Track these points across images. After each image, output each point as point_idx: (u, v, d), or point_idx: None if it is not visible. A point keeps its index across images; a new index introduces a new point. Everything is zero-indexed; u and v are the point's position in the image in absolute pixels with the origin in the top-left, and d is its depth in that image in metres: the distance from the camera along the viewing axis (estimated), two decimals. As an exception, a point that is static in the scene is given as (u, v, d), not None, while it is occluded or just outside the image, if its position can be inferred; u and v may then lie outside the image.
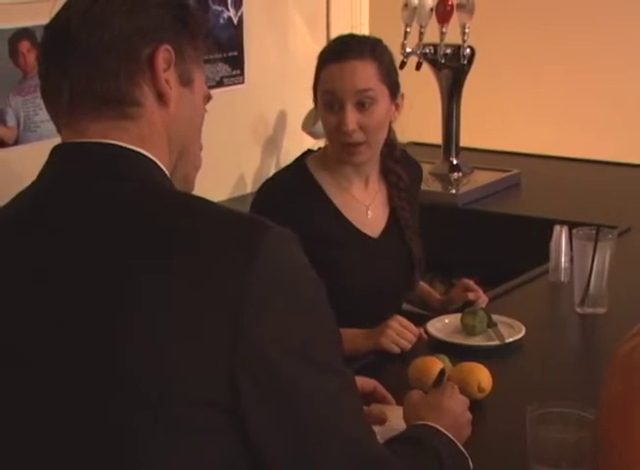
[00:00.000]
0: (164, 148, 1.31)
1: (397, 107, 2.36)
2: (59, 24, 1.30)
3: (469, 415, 1.62)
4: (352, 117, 2.27)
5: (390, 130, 2.39)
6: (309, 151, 2.45)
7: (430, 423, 1.51)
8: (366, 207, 2.40)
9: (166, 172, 1.30)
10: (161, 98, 1.29)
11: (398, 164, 2.45)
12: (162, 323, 1.15)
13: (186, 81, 1.32)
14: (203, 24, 1.37)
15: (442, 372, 1.76)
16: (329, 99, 2.30)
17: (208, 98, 1.40)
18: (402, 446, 1.41)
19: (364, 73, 2.28)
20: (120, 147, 1.26)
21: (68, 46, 1.28)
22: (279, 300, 1.18)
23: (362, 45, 2.30)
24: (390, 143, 2.41)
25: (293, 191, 2.32)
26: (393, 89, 2.34)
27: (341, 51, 2.30)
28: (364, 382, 1.80)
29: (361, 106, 2.27)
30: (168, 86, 1.29)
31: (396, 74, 2.36)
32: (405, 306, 2.56)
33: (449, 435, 1.49)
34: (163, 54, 1.29)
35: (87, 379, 1.16)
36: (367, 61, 2.28)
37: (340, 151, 2.32)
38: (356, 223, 2.37)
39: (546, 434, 1.50)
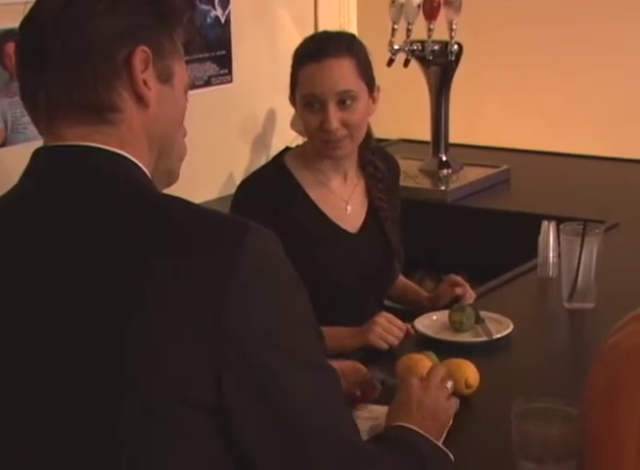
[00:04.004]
0: (144, 148, 1.30)
1: (374, 100, 2.36)
2: (31, 31, 1.29)
3: (443, 402, 1.63)
4: (335, 116, 2.27)
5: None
6: (287, 148, 2.45)
7: (402, 424, 1.52)
8: (345, 202, 2.40)
9: (147, 173, 1.30)
10: (141, 100, 1.28)
11: (375, 156, 2.46)
12: (153, 323, 1.16)
13: (165, 78, 1.31)
14: (180, 14, 1.34)
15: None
16: (310, 100, 2.29)
17: (190, 86, 1.38)
18: (377, 443, 1.42)
19: (343, 72, 2.27)
20: (99, 149, 1.26)
21: (41, 54, 1.26)
22: (262, 297, 1.19)
23: (338, 42, 2.30)
24: (366, 135, 2.41)
25: (271, 189, 2.32)
26: (371, 84, 2.34)
27: (317, 50, 2.29)
28: (343, 365, 1.80)
29: (342, 103, 2.28)
30: (147, 87, 1.28)
31: (372, 69, 2.36)
32: (393, 304, 2.56)
33: (420, 431, 1.50)
34: (140, 55, 1.27)
35: (79, 379, 1.17)
36: (345, 58, 2.28)
37: (322, 147, 2.32)
38: (335, 219, 2.37)
39: (531, 429, 1.50)
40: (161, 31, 1.31)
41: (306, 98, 2.30)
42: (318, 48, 2.30)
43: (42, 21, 1.27)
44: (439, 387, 1.65)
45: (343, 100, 2.28)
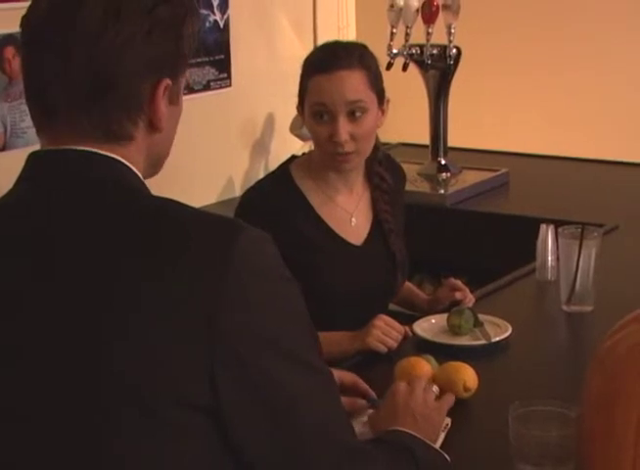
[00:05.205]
0: (140, 158, 1.31)
1: (383, 112, 2.35)
2: (58, 50, 1.25)
3: (432, 401, 1.64)
4: (345, 128, 2.24)
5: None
6: (294, 157, 2.43)
7: (395, 428, 1.53)
8: (350, 214, 2.39)
9: (140, 176, 1.31)
10: (154, 128, 1.29)
11: (382, 167, 2.45)
12: (151, 323, 1.16)
13: (175, 100, 1.31)
14: (195, 42, 1.33)
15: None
16: (319, 110, 2.27)
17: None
18: (374, 444, 1.42)
19: (354, 84, 2.25)
20: (94, 152, 1.26)
21: (66, 83, 1.24)
22: (257, 297, 1.20)
23: (350, 54, 2.27)
24: (374, 146, 2.40)
25: (275, 199, 2.30)
26: (381, 95, 2.32)
27: (329, 61, 2.26)
28: (343, 375, 1.81)
29: (352, 116, 2.25)
30: (162, 114, 1.28)
31: (382, 80, 2.34)
32: (392, 307, 2.56)
33: (413, 433, 1.50)
34: (163, 87, 1.27)
35: (77, 378, 1.17)
36: (356, 70, 2.25)
37: (329, 159, 2.30)
38: (339, 232, 2.36)
39: (529, 432, 1.50)
40: (180, 56, 1.30)
41: (315, 107, 2.27)
42: (329, 59, 2.26)
43: (76, 40, 1.24)
44: (426, 389, 1.66)
45: (353, 111, 2.25)
